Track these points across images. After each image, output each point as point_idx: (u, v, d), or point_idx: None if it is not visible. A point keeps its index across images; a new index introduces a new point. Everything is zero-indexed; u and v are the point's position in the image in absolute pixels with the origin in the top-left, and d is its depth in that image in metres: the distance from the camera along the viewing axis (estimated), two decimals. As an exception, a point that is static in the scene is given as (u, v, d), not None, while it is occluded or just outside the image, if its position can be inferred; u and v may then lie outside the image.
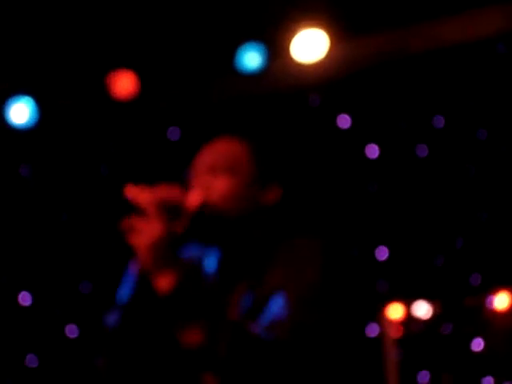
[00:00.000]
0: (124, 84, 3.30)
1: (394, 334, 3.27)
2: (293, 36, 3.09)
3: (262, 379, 1.23)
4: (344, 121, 3.44)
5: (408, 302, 3.36)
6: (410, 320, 3.34)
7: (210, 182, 1.40)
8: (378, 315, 3.24)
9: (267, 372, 1.23)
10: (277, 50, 3.15)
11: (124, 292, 1.29)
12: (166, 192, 1.26)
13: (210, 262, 1.45)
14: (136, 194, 1.22)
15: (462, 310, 3.33)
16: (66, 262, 3.59)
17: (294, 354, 1.25)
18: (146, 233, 1.19)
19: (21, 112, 3.33)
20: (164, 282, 1.19)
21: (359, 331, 3.20)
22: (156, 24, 3.11)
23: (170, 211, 1.24)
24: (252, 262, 1.43)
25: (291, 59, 3.12)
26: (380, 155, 3.36)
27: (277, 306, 1.30)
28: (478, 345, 3.30)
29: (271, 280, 1.35)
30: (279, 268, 1.36)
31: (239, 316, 1.33)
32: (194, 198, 1.29)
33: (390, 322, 3.27)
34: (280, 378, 1.24)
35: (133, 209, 1.22)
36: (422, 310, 3.37)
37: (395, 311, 3.31)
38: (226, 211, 1.37)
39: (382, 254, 3.39)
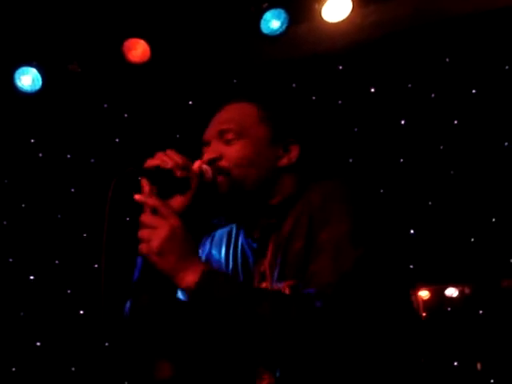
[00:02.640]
0: (138, 50, 3.18)
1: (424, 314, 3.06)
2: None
3: (311, 340, 1.08)
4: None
5: (439, 284, 3.15)
6: (441, 301, 3.12)
7: (222, 149, 1.31)
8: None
9: (315, 330, 1.08)
10: (301, 13, 3.02)
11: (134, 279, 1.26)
12: (172, 161, 1.20)
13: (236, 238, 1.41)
14: (144, 198, 1.16)
15: (498, 292, 3.10)
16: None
17: (343, 307, 1.11)
18: (160, 228, 1.11)
19: (29, 77, 3.20)
20: (188, 279, 1.11)
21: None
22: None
23: (178, 181, 1.19)
24: (276, 225, 1.32)
25: (316, 22, 3.00)
26: (406, 123, 3.19)
27: (312, 262, 1.18)
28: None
29: (299, 237, 1.24)
30: (305, 222, 1.24)
31: (272, 281, 1.25)
32: (196, 166, 1.24)
33: (421, 302, 3.05)
34: (328, 334, 1.09)
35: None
36: (453, 291, 3.15)
37: (425, 292, 3.10)
38: (243, 178, 1.29)
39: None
